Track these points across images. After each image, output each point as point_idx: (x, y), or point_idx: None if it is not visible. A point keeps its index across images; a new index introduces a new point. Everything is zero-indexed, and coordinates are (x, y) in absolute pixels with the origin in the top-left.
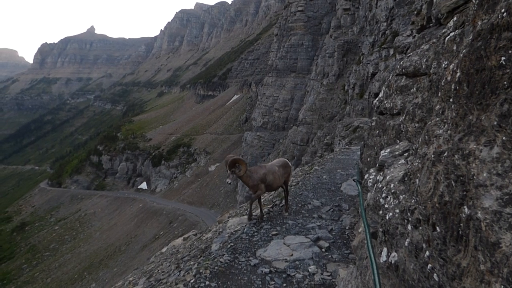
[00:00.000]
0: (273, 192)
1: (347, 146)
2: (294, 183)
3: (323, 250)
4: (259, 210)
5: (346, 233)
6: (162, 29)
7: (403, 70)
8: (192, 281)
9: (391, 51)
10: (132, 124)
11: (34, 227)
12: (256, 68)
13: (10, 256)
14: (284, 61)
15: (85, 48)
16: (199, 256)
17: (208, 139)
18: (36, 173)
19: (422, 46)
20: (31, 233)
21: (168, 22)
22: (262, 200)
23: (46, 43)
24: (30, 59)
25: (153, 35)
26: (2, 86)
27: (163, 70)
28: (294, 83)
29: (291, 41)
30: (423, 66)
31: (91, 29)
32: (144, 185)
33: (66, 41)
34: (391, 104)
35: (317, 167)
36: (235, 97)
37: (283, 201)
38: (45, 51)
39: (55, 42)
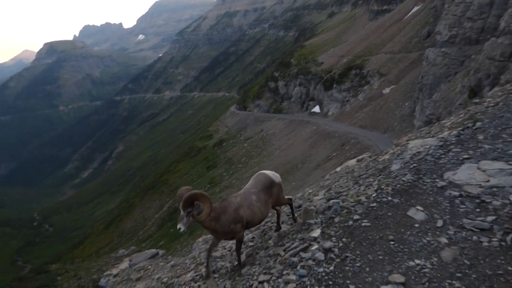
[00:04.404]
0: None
1: None
2: (492, 104)
3: None
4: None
5: None
6: None
7: None
8: (373, 195)
9: None
10: (304, 49)
11: (228, 143)
12: None
13: (214, 165)
14: None
15: None
16: (377, 175)
17: (383, 59)
18: (227, 99)
19: None
20: (227, 148)
21: None
22: None
23: None
24: None
25: None
26: (196, 24)
27: None
28: None
29: None
30: None
31: None
32: (316, 109)
33: None
34: None
35: None
36: (415, 8)
37: (470, 126)
38: None
39: None
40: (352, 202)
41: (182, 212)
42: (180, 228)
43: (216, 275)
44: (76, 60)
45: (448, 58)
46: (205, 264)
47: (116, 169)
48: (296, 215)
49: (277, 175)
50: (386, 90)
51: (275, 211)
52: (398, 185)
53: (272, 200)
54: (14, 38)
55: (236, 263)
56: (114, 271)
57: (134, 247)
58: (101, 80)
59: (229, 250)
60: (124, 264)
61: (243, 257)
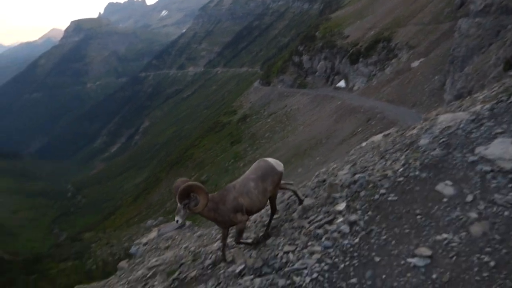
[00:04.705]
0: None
1: None
2: None
3: None
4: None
5: None
6: None
7: None
8: (400, 170)
9: None
10: (329, 22)
11: (252, 119)
12: None
13: (238, 140)
14: None
15: None
16: (405, 150)
17: (412, 31)
18: (250, 74)
19: None
20: (251, 123)
21: None
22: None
23: None
24: None
25: None
26: None
27: None
28: None
29: None
30: None
31: None
32: (342, 83)
33: None
34: None
35: None
36: None
37: (504, 99)
38: None
39: None
40: (378, 176)
41: (178, 205)
42: (178, 221)
43: (241, 246)
44: (101, 38)
45: (482, 28)
46: (221, 249)
47: (143, 144)
48: (270, 227)
49: (280, 163)
50: (415, 63)
51: (291, 192)
52: (427, 160)
53: (271, 189)
54: (42, 16)
55: (261, 234)
56: (144, 240)
57: (161, 218)
58: (126, 56)
59: (254, 222)
60: (153, 234)
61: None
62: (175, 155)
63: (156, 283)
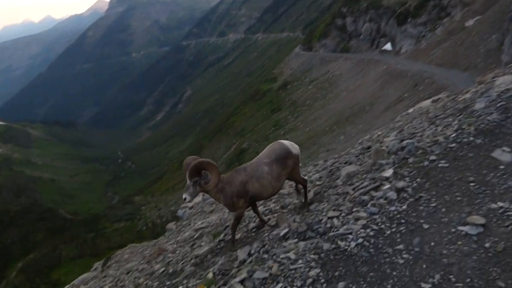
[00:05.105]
0: None
1: None
2: None
3: None
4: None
5: None
6: None
7: None
8: (453, 135)
9: None
10: None
11: (293, 86)
12: None
13: (279, 108)
14: None
15: None
16: (457, 114)
17: None
18: (291, 39)
19: None
20: (292, 91)
21: None
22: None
23: None
24: None
25: None
26: None
27: None
28: None
29: None
30: None
31: None
32: (388, 46)
33: None
34: None
35: None
36: None
37: None
38: None
39: None
40: (428, 142)
41: (188, 182)
42: (185, 198)
43: (284, 210)
44: (144, 7)
45: None
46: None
47: (186, 112)
48: (308, 200)
49: (296, 146)
50: (470, 22)
51: (300, 186)
52: (482, 125)
53: (287, 173)
54: None
55: (303, 199)
56: (190, 204)
57: None
58: (168, 25)
59: (296, 189)
60: (198, 198)
61: (310, 194)
62: (217, 123)
63: (203, 243)
